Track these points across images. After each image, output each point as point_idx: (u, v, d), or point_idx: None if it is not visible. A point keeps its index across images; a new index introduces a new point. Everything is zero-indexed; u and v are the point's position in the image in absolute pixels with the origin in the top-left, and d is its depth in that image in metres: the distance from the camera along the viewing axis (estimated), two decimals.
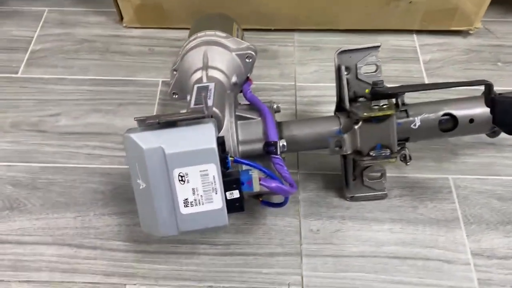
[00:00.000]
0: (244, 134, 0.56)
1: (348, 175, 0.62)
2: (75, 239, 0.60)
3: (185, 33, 0.83)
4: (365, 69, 0.59)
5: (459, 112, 0.57)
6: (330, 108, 0.73)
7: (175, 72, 0.64)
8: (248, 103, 0.61)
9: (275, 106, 0.61)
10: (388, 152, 0.56)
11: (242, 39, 0.72)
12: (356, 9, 0.79)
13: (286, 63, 0.80)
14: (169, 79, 0.76)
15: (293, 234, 0.61)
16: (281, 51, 0.82)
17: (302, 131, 0.58)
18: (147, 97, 0.75)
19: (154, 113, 0.73)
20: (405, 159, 0.57)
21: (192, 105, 0.52)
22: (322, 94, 0.76)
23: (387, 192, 0.64)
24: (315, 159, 0.68)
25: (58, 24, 0.85)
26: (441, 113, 0.57)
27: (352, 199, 0.64)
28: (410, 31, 0.84)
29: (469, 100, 0.58)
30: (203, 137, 0.48)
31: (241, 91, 0.63)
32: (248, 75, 0.64)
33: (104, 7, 0.87)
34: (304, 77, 0.78)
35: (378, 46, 0.58)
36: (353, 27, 0.83)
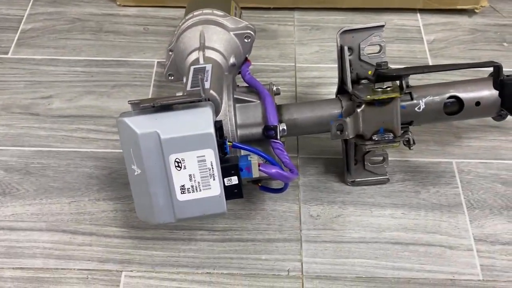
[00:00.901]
0: (242, 118, 0.54)
1: (349, 160, 0.61)
2: (69, 225, 0.59)
3: (181, 12, 0.80)
4: (369, 50, 0.57)
5: (465, 94, 0.55)
6: (331, 90, 0.71)
7: (170, 53, 0.62)
8: (246, 85, 0.60)
9: (274, 88, 0.59)
10: (391, 136, 0.54)
11: (240, 18, 0.69)
12: None
13: (286, 43, 0.78)
14: (164, 60, 0.74)
15: (293, 220, 0.60)
16: (281, 30, 0.79)
17: (303, 114, 0.57)
18: (142, 79, 0.72)
19: (149, 96, 0.70)
20: (408, 143, 0.55)
21: (188, 88, 0.50)
22: (323, 76, 0.73)
23: (389, 177, 0.62)
24: (315, 143, 0.66)
25: (49, 2, 0.82)
26: (447, 95, 0.55)
27: (353, 183, 0.62)
28: (414, 10, 0.81)
29: (476, 82, 0.56)
30: (200, 121, 0.46)
31: (239, 73, 0.61)
32: (247, 55, 0.62)
33: None
34: (305, 58, 0.76)
35: (383, 26, 0.56)
36: (356, 5, 0.80)
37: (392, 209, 0.61)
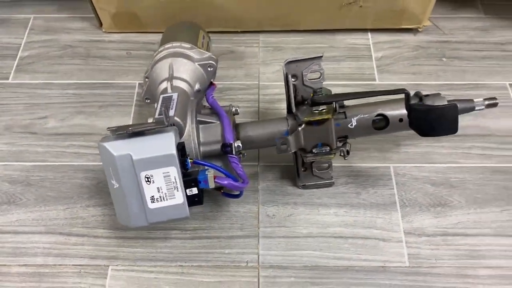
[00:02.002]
0: (204, 136, 0.65)
1: (299, 167, 0.72)
2: (65, 228, 0.70)
3: (159, 37, 0.91)
4: (311, 76, 0.68)
5: (390, 112, 0.66)
6: None
7: (146, 79, 0.73)
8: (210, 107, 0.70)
9: (233, 109, 0.69)
10: (327, 149, 0.65)
11: (208, 45, 0.80)
12: (315, 13, 0.87)
13: (251, 64, 0.88)
14: (144, 74, 0.85)
15: (252, 219, 0.71)
16: (247, 52, 0.90)
17: (256, 131, 0.67)
18: (125, 99, 0.83)
19: (131, 114, 0.81)
20: (344, 154, 0.66)
21: (156, 115, 0.61)
22: (283, 92, 0.82)
23: (334, 180, 0.73)
24: (273, 153, 0.75)
25: (43, 31, 0.93)
26: (375, 113, 0.66)
27: (304, 187, 0.73)
28: (365, 30, 0.92)
29: (399, 101, 0.67)
30: (164, 144, 0.57)
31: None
32: (212, 80, 0.73)
33: (86, 13, 0.94)
34: (267, 77, 0.86)
35: (321, 56, 0.66)
36: (313, 27, 0.91)
37: (336, 208, 0.72)
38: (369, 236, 0.69)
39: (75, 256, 0.67)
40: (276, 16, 0.88)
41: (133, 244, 0.69)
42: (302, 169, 0.71)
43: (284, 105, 0.82)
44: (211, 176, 0.58)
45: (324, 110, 0.64)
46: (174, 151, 0.56)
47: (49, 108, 0.82)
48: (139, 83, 0.85)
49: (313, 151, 0.65)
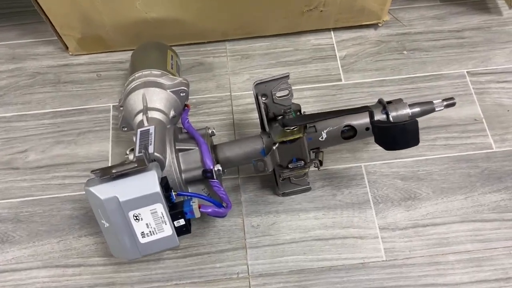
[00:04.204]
0: (185, 164, 0.68)
1: (277, 177, 0.76)
2: (60, 260, 0.73)
3: (127, 55, 0.92)
4: (280, 93, 0.71)
5: (357, 123, 0.70)
6: None
7: (121, 108, 0.75)
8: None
9: (210, 131, 0.72)
10: (302, 163, 0.69)
11: (177, 65, 0.82)
12: (277, 20, 0.89)
13: (221, 74, 0.90)
14: (118, 103, 0.87)
15: (238, 231, 0.75)
16: (216, 62, 0.92)
17: (233, 152, 0.71)
18: (101, 123, 0.85)
19: (110, 138, 0.83)
20: (317, 166, 0.70)
21: (136, 153, 0.63)
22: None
23: (311, 185, 0.78)
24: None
25: (9, 60, 0.92)
26: (343, 125, 0.70)
27: (284, 195, 0.78)
28: (328, 29, 0.94)
29: (364, 111, 0.71)
30: (148, 183, 0.60)
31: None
32: (186, 102, 0.75)
33: (50, 36, 0.93)
34: (238, 87, 0.89)
35: (287, 76, 0.69)
36: (277, 32, 0.93)
37: (315, 212, 0.77)
38: (347, 235, 0.75)
39: (74, 287, 0.71)
40: (240, 25, 0.90)
41: (129, 268, 0.73)
42: (281, 179, 0.76)
43: (257, 115, 0.86)
44: (196, 207, 0.62)
45: (295, 129, 0.67)
46: (158, 189, 0.59)
47: (28, 141, 0.84)
48: (113, 105, 0.87)
49: (289, 166, 0.69)
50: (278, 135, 0.67)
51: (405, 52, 0.92)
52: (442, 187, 0.78)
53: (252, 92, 0.88)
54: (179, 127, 0.74)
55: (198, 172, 0.68)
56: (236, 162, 0.72)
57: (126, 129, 0.76)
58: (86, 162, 0.81)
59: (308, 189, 0.78)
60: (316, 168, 0.71)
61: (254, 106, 0.87)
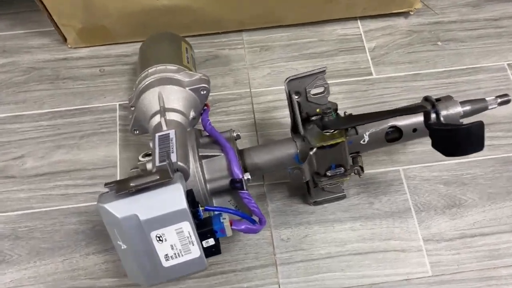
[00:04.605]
0: (210, 172, 0.60)
1: (310, 185, 0.68)
2: (66, 282, 0.65)
3: (132, 47, 0.83)
4: (314, 91, 0.63)
5: (403, 123, 0.62)
6: (286, 113, 0.77)
7: (132, 108, 0.66)
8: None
9: (234, 134, 0.64)
10: (342, 170, 0.61)
11: (193, 58, 0.73)
12: (300, 6, 0.80)
13: (239, 68, 0.81)
14: (125, 102, 0.78)
15: (267, 246, 0.67)
16: (232, 55, 0.83)
17: (263, 158, 0.62)
18: (107, 125, 0.76)
19: (117, 142, 0.74)
20: (358, 173, 0.63)
21: (157, 163, 0.54)
22: (277, 99, 0.79)
23: (345, 193, 0.70)
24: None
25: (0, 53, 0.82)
26: (387, 126, 0.62)
27: (315, 203, 0.70)
28: (354, 18, 0.86)
29: (401, 109, 0.63)
30: (173, 199, 0.51)
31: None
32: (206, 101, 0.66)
33: (45, 26, 0.84)
34: (258, 82, 0.80)
35: (324, 71, 0.61)
36: (299, 21, 0.84)
37: (351, 222, 0.69)
38: (388, 248, 0.67)
39: None
40: (259, 13, 0.81)
41: None
42: (313, 186, 0.68)
43: (281, 113, 0.78)
44: (228, 225, 0.54)
45: (335, 132, 0.59)
46: (185, 204, 0.51)
47: (24, 146, 0.74)
48: (119, 104, 0.78)
49: (327, 174, 0.61)
50: (317, 139, 0.58)
51: (439, 43, 0.84)
52: (489, 192, 0.71)
53: (274, 88, 0.81)
54: (198, 129, 0.66)
55: (225, 182, 0.60)
56: (266, 170, 0.63)
57: (138, 132, 0.67)
58: (92, 168, 0.72)
59: (343, 197, 0.70)
60: (357, 175, 0.63)
61: (277, 103, 0.79)
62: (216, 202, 0.61)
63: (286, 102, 0.77)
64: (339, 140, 0.58)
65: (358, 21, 0.86)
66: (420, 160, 0.73)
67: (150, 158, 0.63)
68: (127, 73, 0.80)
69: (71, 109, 0.77)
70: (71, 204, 0.70)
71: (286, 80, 0.61)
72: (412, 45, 0.84)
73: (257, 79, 0.81)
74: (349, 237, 0.68)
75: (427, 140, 0.74)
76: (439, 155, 0.73)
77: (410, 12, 0.85)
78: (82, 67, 0.81)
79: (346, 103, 0.77)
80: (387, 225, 0.69)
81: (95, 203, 0.70)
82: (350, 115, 0.60)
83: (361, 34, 0.85)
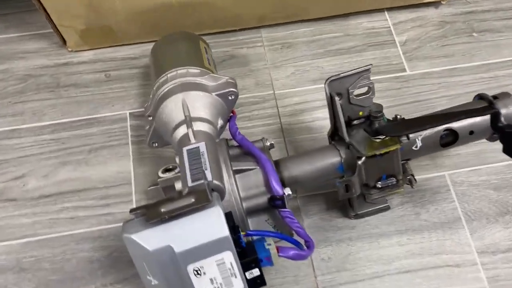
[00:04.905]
0: (245, 189, 0.52)
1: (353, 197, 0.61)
2: None
3: (141, 49, 0.75)
4: (357, 92, 0.56)
5: (459, 125, 0.55)
6: (315, 116, 0.70)
7: (150, 118, 0.58)
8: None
9: (268, 143, 0.56)
10: (394, 181, 0.54)
11: (212, 59, 0.65)
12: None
13: (259, 69, 0.74)
14: (136, 110, 0.70)
15: (306, 267, 0.60)
16: (251, 54, 0.75)
17: (302, 169, 0.55)
18: (117, 136, 0.68)
19: (130, 155, 0.66)
20: (411, 183, 0.56)
21: (189, 183, 0.47)
22: (304, 100, 0.71)
23: (389, 204, 0.63)
24: None
25: None
26: (442, 129, 0.55)
27: (356, 216, 0.63)
28: (381, 10, 0.79)
29: (462, 111, 0.56)
30: (213, 225, 0.44)
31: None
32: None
33: (41, 28, 0.75)
34: (282, 83, 0.73)
35: (369, 69, 0.54)
36: (323, 14, 0.77)
37: (397, 237, 0.62)
38: (440, 264, 0.61)
39: None
40: (280, 8, 0.73)
41: None
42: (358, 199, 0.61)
43: (309, 116, 0.71)
44: (275, 253, 0.46)
45: (386, 138, 0.52)
46: (227, 232, 0.43)
47: (25, 164, 0.66)
48: (130, 113, 0.70)
49: (378, 185, 0.54)
50: (368, 147, 0.51)
51: (474, 34, 0.78)
52: None
53: (299, 88, 0.73)
54: (225, 139, 0.58)
55: (263, 199, 0.52)
56: (305, 183, 0.56)
57: (157, 144, 0.59)
58: (103, 187, 0.64)
59: (386, 209, 0.63)
60: (409, 185, 0.56)
61: (304, 105, 0.72)
62: (251, 222, 0.54)
63: (314, 104, 0.71)
64: (393, 148, 0.51)
65: (386, 12, 0.79)
66: (466, 164, 0.67)
67: (171, 174, 0.55)
68: (136, 77, 0.72)
69: (76, 120, 0.69)
70: (82, 228, 0.62)
71: (326, 80, 0.54)
72: (446, 37, 0.77)
73: (280, 80, 0.73)
74: (396, 253, 0.61)
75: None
76: (485, 156, 0.68)
77: (442, 2, 0.78)
78: (85, 72, 0.73)
79: (380, 103, 0.70)
80: (437, 237, 0.62)
81: (109, 226, 0.63)
82: (404, 119, 0.53)
83: (390, 27, 0.78)
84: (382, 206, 0.63)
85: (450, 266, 0.60)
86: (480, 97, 0.57)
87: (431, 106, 0.71)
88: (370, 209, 0.63)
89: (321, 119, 0.70)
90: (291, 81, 0.73)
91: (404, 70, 0.74)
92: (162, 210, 0.44)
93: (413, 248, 0.61)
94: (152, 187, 0.60)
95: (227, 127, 0.58)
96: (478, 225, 0.63)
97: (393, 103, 0.71)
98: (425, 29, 0.78)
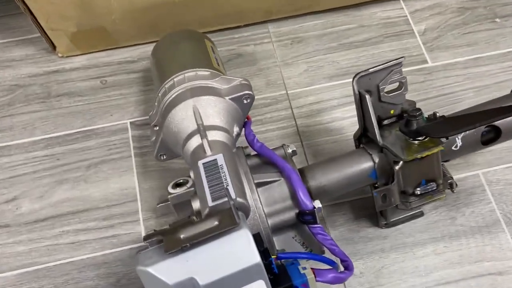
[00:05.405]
0: (269, 203, 0.46)
1: None
2: None
3: (139, 51, 0.69)
4: (388, 88, 0.50)
5: (502, 121, 0.50)
6: (334, 116, 0.65)
7: (156, 128, 0.52)
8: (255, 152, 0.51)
9: (290, 150, 0.50)
10: (434, 186, 0.49)
11: (220, 59, 0.59)
12: None
13: (269, 67, 0.68)
14: (138, 119, 0.64)
15: (336, 285, 0.54)
16: (258, 51, 0.69)
17: (330, 177, 0.49)
18: (119, 149, 0.61)
19: (134, 170, 0.60)
20: (451, 187, 0.50)
21: (209, 202, 0.41)
22: (320, 99, 0.65)
23: (422, 209, 0.58)
24: None
25: None
26: (483, 125, 0.50)
27: (388, 225, 0.57)
28: None
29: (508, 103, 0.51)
30: (242, 251, 0.38)
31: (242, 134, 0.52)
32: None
33: (27, 33, 0.69)
34: (295, 81, 0.67)
35: (400, 63, 0.48)
36: (334, 5, 0.71)
37: (433, 245, 0.57)
38: (481, 272, 0.55)
39: None
40: (288, 0, 0.67)
41: None
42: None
43: (328, 117, 0.65)
44: (312, 278, 0.41)
45: (425, 140, 0.47)
46: (258, 258, 0.37)
47: (16, 184, 0.59)
48: (130, 122, 0.63)
49: (417, 192, 0.48)
50: (407, 150, 0.46)
51: (497, 19, 0.72)
52: None
53: (313, 87, 0.67)
54: (240, 147, 0.52)
55: (290, 215, 0.47)
56: (334, 192, 0.50)
57: (165, 157, 0.53)
58: (106, 206, 0.58)
59: (420, 215, 0.57)
60: (450, 190, 0.50)
61: (321, 105, 0.66)
62: (277, 241, 0.48)
63: (331, 103, 0.65)
64: (435, 150, 0.45)
65: (401, 0, 0.73)
66: (500, 161, 0.62)
67: (183, 189, 0.49)
68: (135, 83, 0.66)
69: (71, 133, 0.63)
70: (85, 254, 0.55)
71: (355, 77, 0.48)
72: (467, 25, 0.71)
73: (293, 78, 0.67)
74: (433, 264, 0.56)
75: None
76: None
77: None
78: (79, 79, 0.67)
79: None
80: (476, 243, 0.57)
81: (115, 250, 0.57)
82: (445, 118, 0.47)
83: (406, 16, 0.72)
84: (415, 212, 0.57)
85: (493, 274, 0.55)
86: None
87: (458, 99, 0.65)
88: (403, 216, 0.57)
89: (340, 119, 0.64)
90: (305, 79, 0.67)
91: (426, 61, 0.68)
92: (182, 236, 0.38)
93: (451, 257, 0.56)
94: (161, 204, 0.54)
95: (243, 133, 0.52)
96: None
97: (417, 98, 0.65)
98: (444, 16, 0.72)
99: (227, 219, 0.38)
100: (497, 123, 0.50)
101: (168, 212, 0.53)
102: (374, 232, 0.57)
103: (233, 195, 0.41)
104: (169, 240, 0.38)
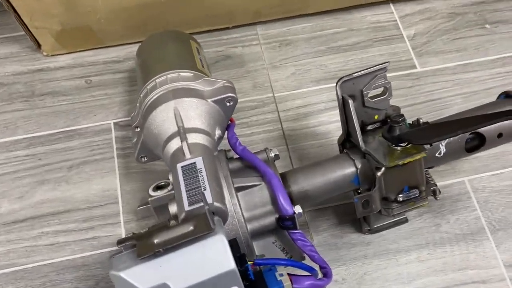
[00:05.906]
0: (248, 208, 0.46)
1: None
2: None
3: (125, 51, 0.68)
4: (372, 93, 0.50)
5: (486, 128, 0.49)
6: (320, 119, 0.64)
7: (137, 129, 0.51)
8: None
9: (272, 154, 0.50)
10: (417, 192, 0.48)
11: (205, 61, 0.58)
12: None
13: (257, 69, 0.67)
14: (122, 119, 0.63)
15: None
16: (246, 54, 0.69)
17: (312, 182, 0.49)
18: (101, 150, 0.61)
19: (116, 171, 0.59)
20: (434, 194, 0.50)
21: (186, 206, 0.40)
22: (307, 103, 0.65)
23: (406, 215, 0.57)
24: None
25: None
26: (467, 133, 0.49)
27: (371, 231, 0.57)
28: (385, 1, 0.73)
29: (496, 113, 0.50)
30: (216, 257, 0.37)
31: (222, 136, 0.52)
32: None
33: (12, 31, 0.68)
34: (282, 84, 0.66)
35: (385, 68, 0.48)
36: (324, 8, 0.70)
37: (417, 252, 0.56)
38: (465, 280, 0.55)
39: None
40: (277, 1, 0.67)
41: None
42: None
43: (314, 121, 0.64)
44: (288, 284, 0.40)
45: (408, 146, 0.46)
46: (232, 264, 0.37)
47: None
48: (114, 123, 0.63)
49: (399, 198, 0.48)
50: (390, 156, 0.45)
51: (487, 25, 0.72)
52: None
53: (300, 90, 0.67)
54: (223, 150, 0.52)
55: (270, 220, 0.46)
56: (316, 197, 0.50)
57: (146, 159, 0.52)
58: (87, 208, 0.57)
59: (404, 221, 0.57)
60: (433, 197, 0.50)
61: (308, 109, 0.65)
62: (256, 246, 0.47)
63: (318, 107, 0.65)
64: (418, 157, 0.45)
65: (391, 5, 0.73)
66: (486, 168, 0.61)
67: (164, 192, 0.48)
68: (120, 83, 0.65)
69: (54, 132, 0.62)
70: (64, 256, 0.55)
71: (338, 81, 0.47)
72: (457, 30, 0.71)
73: (280, 81, 0.67)
74: (416, 271, 0.55)
75: None
76: (507, 159, 0.62)
77: None
78: (63, 79, 0.66)
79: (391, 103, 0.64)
80: (460, 251, 0.56)
81: (95, 252, 0.56)
82: (429, 124, 0.46)
83: (396, 20, 0.72)
84: (399, 218, 0.57)
85: (476, 283, 0.55)
86: (507, 95, 0.51)
87: (446, 105, 0.65)
88: (387, 223, 0.56)
89: (327, 123, 0.63)
90: (292, 82, 0.66)
91: (415, 66, 0.68)
92: (156, 241, 0.37)
93: (434, 264, 0.55)
94: (142, 207, 0.53)
95: (225, 137, 0.52)
96: (504, 235, 0.57)
97: (404, 103, 0.65)
98: (434, 21, 0.72)
99: (202, 224, 0.37)
100: (481, 130, 0.49)
101: (149, 215, 0.53)
102: (357, 238, 0.57)
103: (209, 200, 0.40)
104: (142, 245, 0.37)
